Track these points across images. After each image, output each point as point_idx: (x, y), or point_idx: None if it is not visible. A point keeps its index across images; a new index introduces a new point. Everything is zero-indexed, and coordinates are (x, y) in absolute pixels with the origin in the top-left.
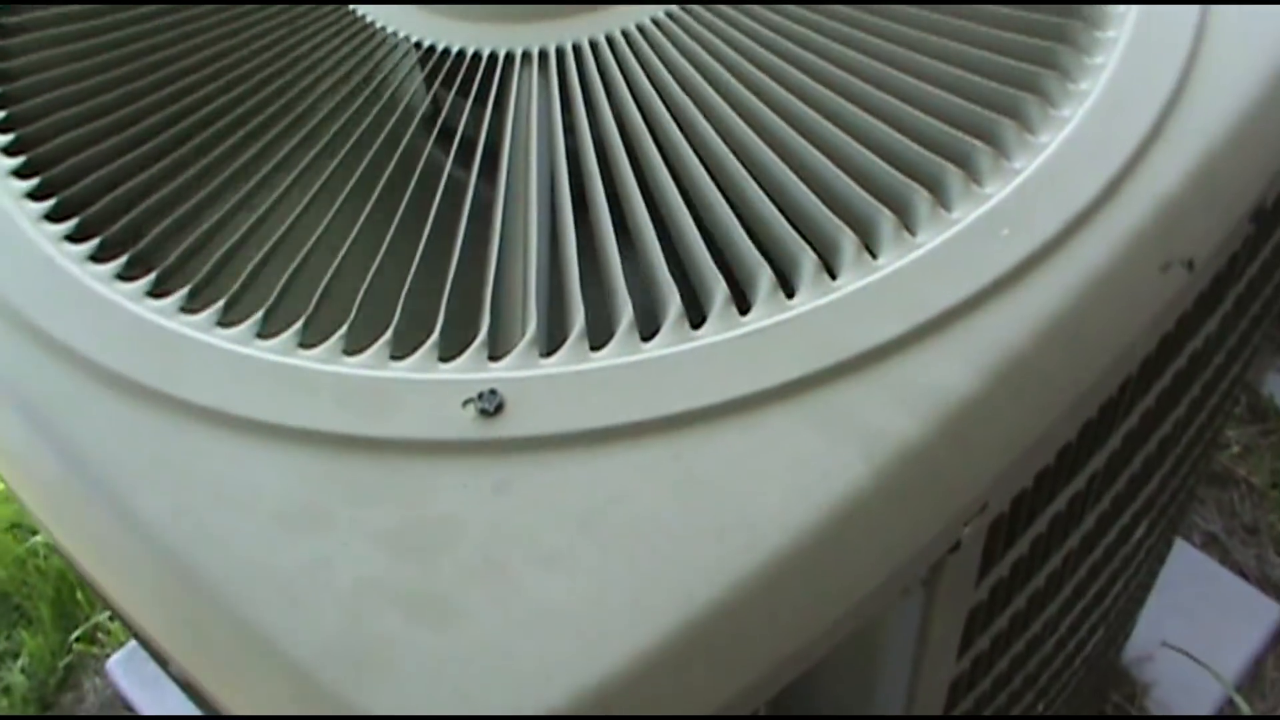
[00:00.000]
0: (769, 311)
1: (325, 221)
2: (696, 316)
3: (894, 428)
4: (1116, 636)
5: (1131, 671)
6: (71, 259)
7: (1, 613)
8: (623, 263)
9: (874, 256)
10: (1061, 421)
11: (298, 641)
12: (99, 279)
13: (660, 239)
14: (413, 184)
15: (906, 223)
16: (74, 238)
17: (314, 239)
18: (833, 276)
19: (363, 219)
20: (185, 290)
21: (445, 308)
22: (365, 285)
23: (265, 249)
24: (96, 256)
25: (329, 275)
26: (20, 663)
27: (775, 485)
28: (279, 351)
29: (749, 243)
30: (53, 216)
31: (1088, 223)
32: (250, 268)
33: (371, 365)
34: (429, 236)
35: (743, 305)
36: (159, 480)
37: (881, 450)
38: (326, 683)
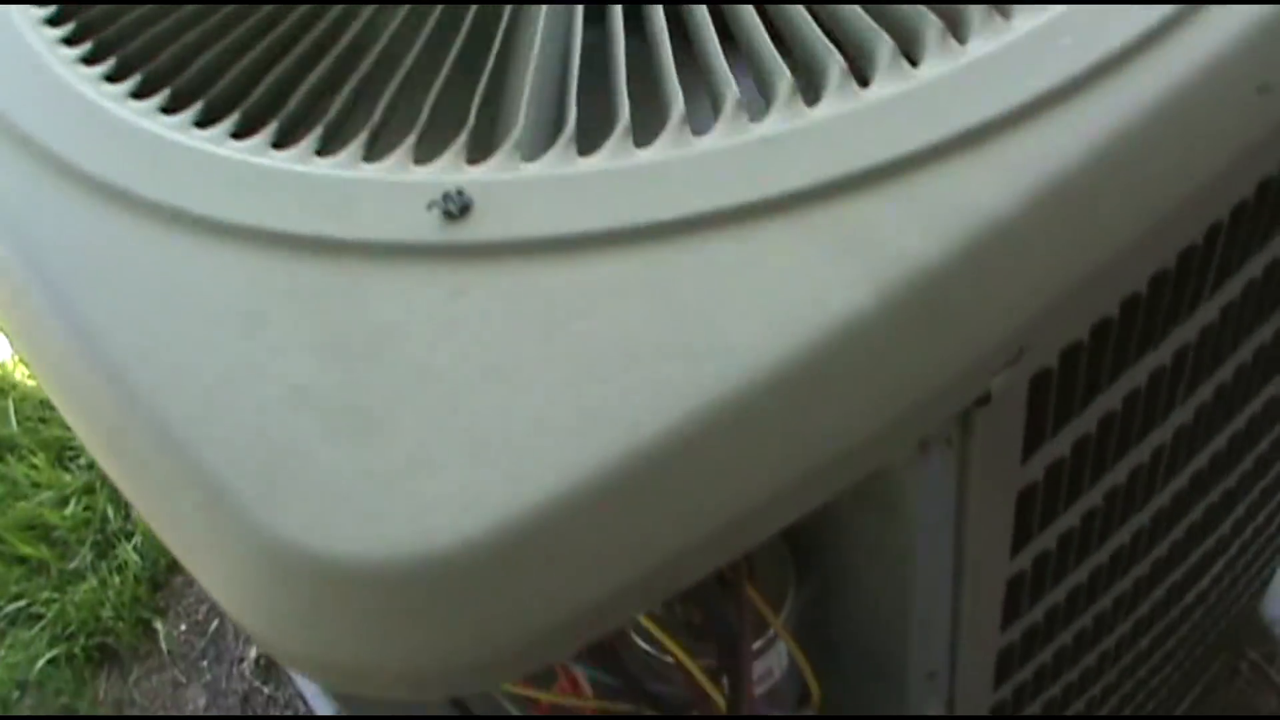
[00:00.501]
0: (784, 119)
1: (325, 23)
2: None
3: (909, 248)
4: (1251, 583)
5: (1274, 630)
6: (63, 62)
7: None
8: (628, 67)
9: (913, 65)
10: (1119, 263)
11: (209, 449)
12: (85, 80)
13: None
14: None
15: (955, 30)
16: (70, 41)
17: (311, 38)
18: (863, 85)
19: (364, 16)
20: (167, 91)
21: (429, 108)
22: (352, 84)
23: (256, 51)
24: (88, 59)
25: (315, 75)
26: (134, 541)
27: (762, 305)
28: (250, 152)
29: (770, 45)
30: (54, 21)
31: (1170, 33)
32: (236, 71)
33: (342, 166)
34: (429, 36)
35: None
36: (107, 281)
37: (891, 272)
38: (232, 494)
